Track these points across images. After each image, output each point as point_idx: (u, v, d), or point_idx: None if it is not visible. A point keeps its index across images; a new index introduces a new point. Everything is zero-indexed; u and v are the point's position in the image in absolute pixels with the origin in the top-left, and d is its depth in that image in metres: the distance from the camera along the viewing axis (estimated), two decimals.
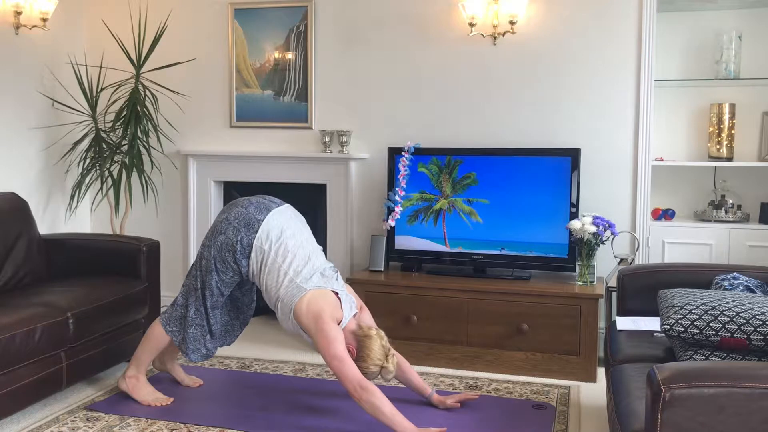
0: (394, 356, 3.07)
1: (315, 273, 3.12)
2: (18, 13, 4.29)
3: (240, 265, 3.18)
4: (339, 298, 3.09)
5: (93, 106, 4.66)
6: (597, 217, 3.89)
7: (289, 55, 4.70)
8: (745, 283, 2.99)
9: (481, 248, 4.14)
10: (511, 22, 4.14)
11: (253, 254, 3.14)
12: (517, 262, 4.10)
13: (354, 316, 3.13)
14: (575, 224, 3.89)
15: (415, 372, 3.33)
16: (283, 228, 3.17)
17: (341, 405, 3.33)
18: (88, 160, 4.62)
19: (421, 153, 4.23)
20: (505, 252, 4.10)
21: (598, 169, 4.20)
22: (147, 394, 3.32)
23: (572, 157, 4.01)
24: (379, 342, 3.03)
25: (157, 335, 3.32)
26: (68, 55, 4.81)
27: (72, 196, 4.65)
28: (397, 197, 4.23)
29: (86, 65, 4.86)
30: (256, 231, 3.14)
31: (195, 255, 4.88)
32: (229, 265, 3.19)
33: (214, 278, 3.20)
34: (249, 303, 3.52)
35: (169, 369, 3.55)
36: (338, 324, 3.02)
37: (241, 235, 3.15)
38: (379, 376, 3.06)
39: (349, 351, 3.00)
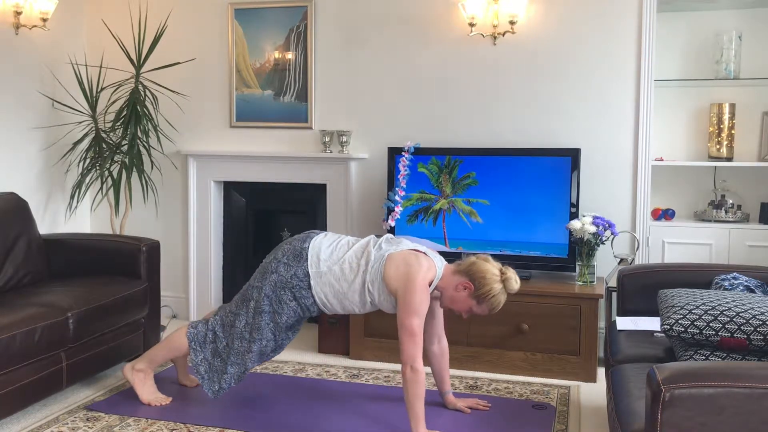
0: (509, 268, 3.02)
1: (379, 243, 3.11)
2: (18, 13, 4.29)
3: (301, 300, 3.11)
4: (424, 253, 3.05)
5: (93, 106, 4.66)
6: (597, 217, 3.89)
7: (289, 55, 4.70)
8: (745, 283, 2.99)
9: (481, 248, 4.14)
10: (511, 22, 4.14)
11: (313, 282, 3.09)
12: (517, 262, 4.08)
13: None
14: (575, 224, 3.89)
15: (447, 368, 3.31)
16: (330, 245, 3.15)
17: (341, 405, 3.33)
18: (88, 160, 4.62)
19: (421, 153, 4.23)
20: (505, 252, 4.10)
21: (598, 169, 4.20)
22: (149, 392, 3.32)
23: (572, 157, 4.01)
24: (485, 263, 2.99)
25: (180, 344, 3.27)
26: (68, 55, 4.80)
27: (72, 196, 4.64)
28: (397, 197, 4.23)
29: (86, 65, 4.86)
30: (306, 259, 3.10)
31: (195, 255, 4.89)
32: (286, 305, 3.12)
33: (264, 319, 3.13)
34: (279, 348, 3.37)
35: (175, 361, 3.54)
36: (430, 284, 2.98)
37: (293, 269, 3.10)
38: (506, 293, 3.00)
39: (465, 288, 2.97)
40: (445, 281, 3.03)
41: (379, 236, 3.22)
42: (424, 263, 2.99)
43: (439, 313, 3.23)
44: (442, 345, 3.26)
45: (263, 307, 3.12)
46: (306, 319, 3.26)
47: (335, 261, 3.09)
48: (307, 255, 3.11)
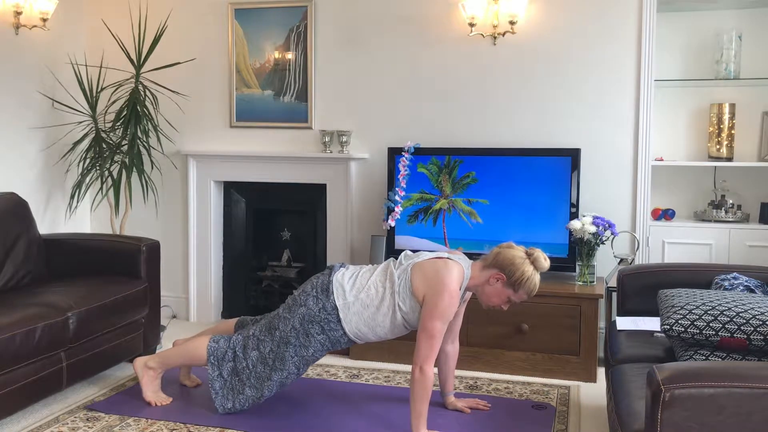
0: (534, 248, 3.01)
1: (399, 260, 3.10)
2: (18, 13, 4.29)
3: (330, 333, 3.09)
4: (449, 258, 3.04)
5: (93, 106, 4.66)
6: (597, 217, 3.89)
7: (289, 55, 4.70)
8: (745, 283, 2.99)
9: (481, 248, 4.13)
10: (511, 22, 4.14)
11: (342, 315, 3.06)
12: None
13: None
14: (575, 224, 3.89)
15: (454, 370, 3.32)
16: (351, 275, 3.14)
17: (341, 405, 3.33)
18: (88, 160, 4.62)
19: (421, 153, 4.23)
20: None
21: (598, 169, 4.20)
22: (153, 391, 3.33)
23: (572, 157, 4.01)
24: (510, 250, 2.99)
25: (198, 355, 3.23)
26: (68, 55, 4.80)
27: (72, 196, 4.64)
28: (397, 197, 4.23)
29: (86, 65, 4.86)
30: (333, 293, 3.08)
31: (195, 255, 4.89)
32: (314, 338, 3.09)
33: (289, 351, 3.10)
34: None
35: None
36: (460, 285, 2.97)
37: (322, 302, 3.07)
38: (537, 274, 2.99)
39: (498, 279, 2.97)
40: (475, 279, 3.03)
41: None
42: (453, 267, 2.97)
43: (461, 314, 3.23)
44: (455, 346, 3.27)
45: (290, 339, 3.10)
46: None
47: (360, 289, 3.07)
48: (332, 288, 3.09)
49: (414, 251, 3.20)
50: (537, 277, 2.98)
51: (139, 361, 3.37)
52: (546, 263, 2.99)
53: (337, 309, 3.06)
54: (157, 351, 4.04)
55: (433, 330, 2.88)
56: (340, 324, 3.07)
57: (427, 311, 2.91)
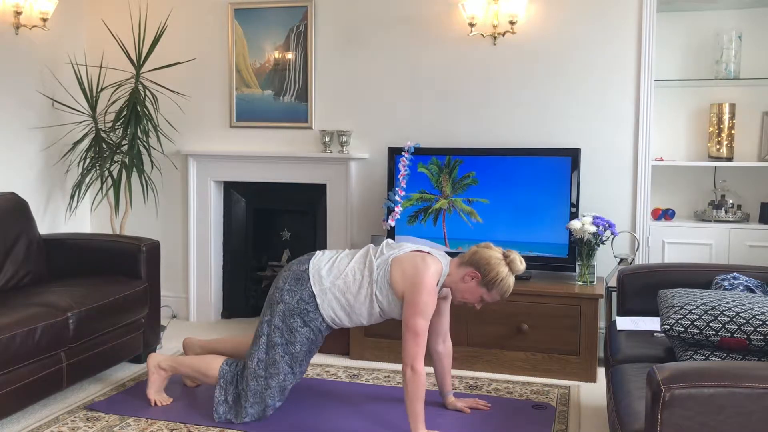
0: (512, 251, 3.01)
1: (379, 249, 3.11)
2: (18, 13, 4.29)
3: (311, 324, 3.08)
4: (428, 253, 3.05)
5: (93, 106, 4.66)
6: (597, 217, 3.89)
7: (289, 55, 4.70)
8: (745, 283, 2.99)
9: None
10: (511, 22, 4.14)
11: (319, 301, 3.06)
12: None
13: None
14: (575, 224, 3.89)
15: (450, 369, 3.32)
16: (329, 260, 3.13)
17: (341, 405, 3.33)
18: (88, 160, 4.61)
19: (421, 153, 4.23)
20: None
21: (598, 169, 4.20)
22: (157, 391, 3.33)
23: (572, 157, 4.01)
24: (487, 250, 2.99)
25: (211, 374, 3.20)
26: (68, 55, 4.80)
27: (72, 196, 4.64)
28: (397, 197, 4.23)
29: (86, 65, 4.86)
30: (308, 280, 3.08)
31: (195, 254, 4.89)
32: (297, 332, 3.07)
33: (278, 352, 3.08)
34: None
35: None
36: (437, 283, 2.98)
37: (298, 294, 3.07)
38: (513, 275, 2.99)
39: (473, 278, 2.97)
40: (452, 276, 3.03)
41: (377, 244, 3.20)
42: (431, 264, 2.99)
43: (446, 312, 3.23)
44: (447, 345, 3.26)
45: (275, 340, 3.09)
46: (320, 345, 3.21)
47: (337, 275, 3.07)
48: (308, 276, 3.09)
49: (396, 242, 3.20)
50: (511, 279, 2.99)
51: (154, 358, 3.37)
52: (521, 266, 2.99)
53: (315, 296, 3.06)
54: (157, 351, 4.05)
55: (416, 327, 2.89)
56: (318, 311, 3.07)
57: (408, 309, 2.92)
